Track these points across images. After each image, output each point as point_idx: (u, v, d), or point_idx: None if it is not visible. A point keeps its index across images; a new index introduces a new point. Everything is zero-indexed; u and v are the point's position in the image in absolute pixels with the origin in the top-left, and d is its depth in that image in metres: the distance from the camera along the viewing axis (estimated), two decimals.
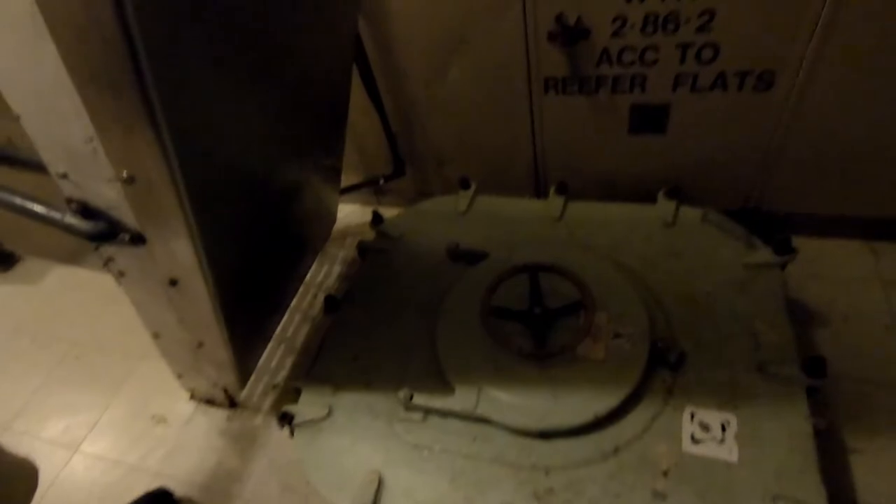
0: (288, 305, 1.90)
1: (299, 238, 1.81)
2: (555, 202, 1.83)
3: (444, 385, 1.42)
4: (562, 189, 1.84)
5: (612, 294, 1.48)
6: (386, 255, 1.85)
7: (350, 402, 1.48)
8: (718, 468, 1.18)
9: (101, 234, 0.92)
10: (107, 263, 1.10)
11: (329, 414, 1.46)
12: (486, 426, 1.35)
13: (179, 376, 1.69)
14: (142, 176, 0.82)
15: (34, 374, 2.05)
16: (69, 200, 0.91)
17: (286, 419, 1.46)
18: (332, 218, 2.12)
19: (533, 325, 1.43)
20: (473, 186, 1.94)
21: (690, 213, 1.68)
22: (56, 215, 0.92)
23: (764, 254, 1.52)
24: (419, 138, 2.05)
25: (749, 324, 1.40)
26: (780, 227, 1.68)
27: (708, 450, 1.21)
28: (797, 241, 1.49)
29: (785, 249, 1.48)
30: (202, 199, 0.89)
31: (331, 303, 1.70)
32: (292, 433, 1.47)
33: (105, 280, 2.39)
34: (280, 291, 1.76)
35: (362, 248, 1.89)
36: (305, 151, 1.54)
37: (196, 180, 0.84)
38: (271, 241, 1.52)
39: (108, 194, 0.87)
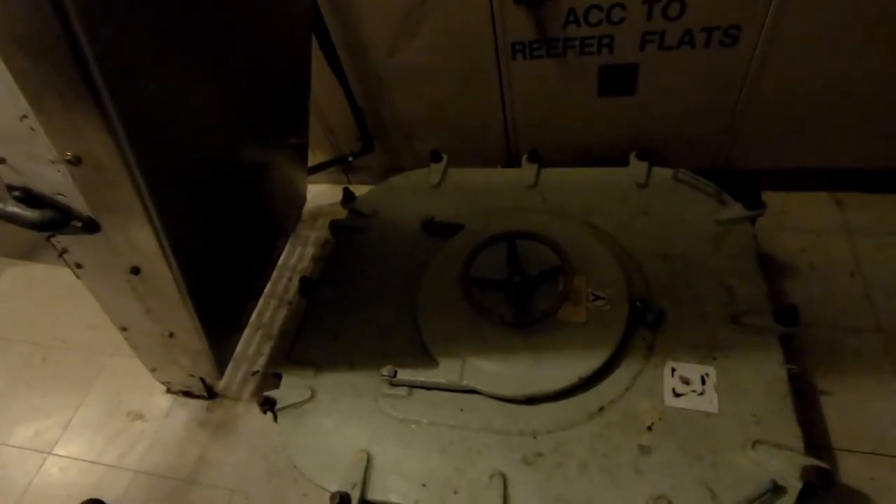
0: (262, 290, 1.85)
1: (269, 220, 1.75)
2: (528, 170, 1.81)
3: (427, 359, 1.41)
4: (534, 156, 1.83)
5: (589, 258, 1.48)
6: (360, 233, 1.81)
7: (333, 383, 1.45)
8: (700, 419, 1.21)
9: (49, 222, 0.86)
10: (61, 255, 1.03)
11: (312, 396, 1.43)
12: (473, 396, 1.35)
13: (153, 370, 1.63)
14: (89, 156, 0.76)
15: None
16: (10, 188, 0.84)
17: (268, 404, 1.43)
18: (302, 199, 2.06)
19: (513, 294, 1.42)
20: (445, 159, 1.90)
21: (662, 174, 1.69)
22: None
23: (735, 209, 1.54)
24: (386, 112, 1.99)
25: (723, 278, 1.42)
26: (749, 184, 1.70)
27: (689, 402, 1.24)
28: (765, 196, 1.52)
29: (755, 204, 1.51)
30: (159, 179, 0.83)
31: (306, 284, 1.65)
32: (275, 418, 1.45)
33: (64, 275, 2.28)
34: (253, 276, 1.70)
35: (335, 228, 1.84)
36: (268, 129, 1.47)
37: (150, 159, 0.78)
38: (239, 224, 1.46)
39: (53, 178, 0.80)
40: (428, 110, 1.95)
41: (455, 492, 1.22)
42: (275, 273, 2.00)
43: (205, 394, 1.73)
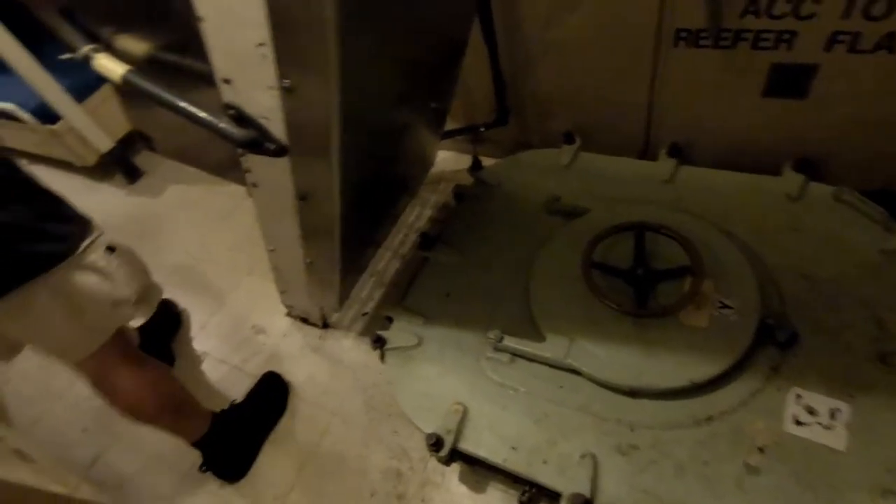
0: (384, 240, 1.97)
1: (402, 176, 1.86)
2: (665, 164, 1.74)
3: (533, 331, 1.44)
4: (674, 151, 1.75)
5: (721, 263, 1.41)
6: (482, 201, 1.86)
7: (439, 335, 1.54)
8: (822, 453, 1.13)
9: (251, 141, 0.99)
10: (246, 173, 1.18)
11: (419, 343, 1.53)
12: (574, 377, 1.36)
13: (283, 292, 1.82)
14: (302, 87, 0.87)
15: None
16: (227, 106, 0.98)
17: (379, 342, 1.54)
18: (431, 162, 2.15)
19: (635, 284, 1.40)
20: (578, 141, 1.88)
21: (820, 190, 1.55)
22: (214, 121, 0.99)
23: None
24: (527, 87, 2.00)
25: (876, 311, 1.29)
26: None
27: (812, 433, 1.16)
28: None
29: None
30: (349, 120, 0.93)
31: (426, 240, 1.74)
32: (383, 357, 1.56)
33: (216, 201, 2.58)
34: (379, 225, 1.83)
35: (459, 193, 1.91)
36: (423, 91, 1.55)
37: (349, 98, 0.88)
38: (382, 175, 1.57)
39: (265, 102, 0.92)
40: (569, 90, 1.93)
41: (544, 462, 1.25)
42: (393, 228, 2.13)
43: (319, 323, 1.91)
